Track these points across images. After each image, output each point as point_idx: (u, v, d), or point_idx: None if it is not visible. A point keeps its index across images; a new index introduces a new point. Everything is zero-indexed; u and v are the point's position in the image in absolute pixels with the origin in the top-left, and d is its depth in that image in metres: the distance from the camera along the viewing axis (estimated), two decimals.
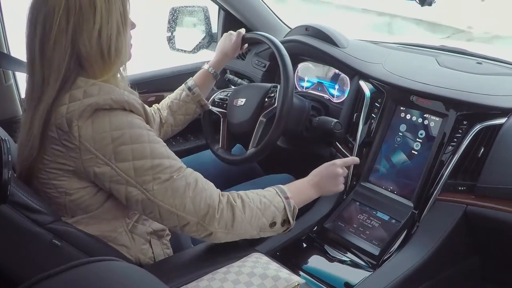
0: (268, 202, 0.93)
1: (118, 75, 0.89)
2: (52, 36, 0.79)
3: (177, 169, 0.85)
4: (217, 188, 1.38)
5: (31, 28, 0.82)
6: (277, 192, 0.96)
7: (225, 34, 1.35)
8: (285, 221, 0.96)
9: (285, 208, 0.94)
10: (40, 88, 0.83)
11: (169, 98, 1.32)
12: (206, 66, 1.31)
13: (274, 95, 1.29)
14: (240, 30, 1.33)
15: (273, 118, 1.22)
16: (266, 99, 1.32)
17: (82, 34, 0.80)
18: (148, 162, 0.81)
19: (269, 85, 1.36)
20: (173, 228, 0.88)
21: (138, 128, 0.82)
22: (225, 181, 1.45)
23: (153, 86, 1.70)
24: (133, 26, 0.93)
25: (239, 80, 1.69)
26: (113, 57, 0.84)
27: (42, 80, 0.82)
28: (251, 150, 1.27)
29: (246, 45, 1.36)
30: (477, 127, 1.14)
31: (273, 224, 0.94)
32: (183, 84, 1.32)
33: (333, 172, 1.07)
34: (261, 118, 1.29)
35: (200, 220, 0.85)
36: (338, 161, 1.09)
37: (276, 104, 1.26)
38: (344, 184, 1.11)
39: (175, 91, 1.33)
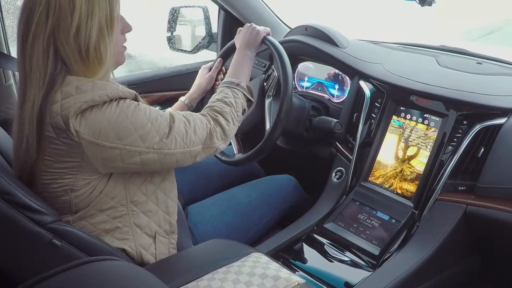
0: (232, 98, 1.05)
1: (110, 76, 0.89)
2: (31, 32, 0.80)
3: (169, 117, 0.91)
4: (218, 188, 1.40)
5: (18, 26, 0.83)
6: (228, 87, 1.08)
7: (203, 66, 1.37)
8: (248, 100, 1.11)
9: (244, 94, 1.09)
10: (23, 86, 0.83)
11: None
12: (183, 98, 1.33)
13: (271, 72, 1.31)
14: (219, 59, 1.34)
15: (279, 89, 1.22)
16: (265, 83, 1.33)
17: (59, 33, 0.80)
18: (148, 125, 0.86)
19: (263, 75, 1.37)
20: (186, 165, 0.95)
21: (128, 105, 0.85)
22: (226, 182, 1.45)
23: (153, 86, 1.70)
24: (127, 28, 0.93)
25: None
26: (92, 58, 0.83)
27: (24, 78, 0.83)
28: (251, 150, 1.27)
29: (221, 76, 1.36)
30: (477, 127, 1.14)
31: (243, 111, 1.08)
32: None
33: (249, 28, 1.21)
34: (266, 98, 1.30)
35: (205, 144, 0.96)
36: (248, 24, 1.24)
37: (276, 73, 1.27)
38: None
39: None
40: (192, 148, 0.93)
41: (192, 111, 1.31)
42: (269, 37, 1.22)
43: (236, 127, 1.05)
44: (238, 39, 1.22)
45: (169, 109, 1.29)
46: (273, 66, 1.34)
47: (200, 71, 1.36)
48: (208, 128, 0.96)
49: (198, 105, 1.34)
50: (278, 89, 1.27)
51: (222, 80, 1.35)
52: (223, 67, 1.35)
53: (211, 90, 1.34)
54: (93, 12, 0.82)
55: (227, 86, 1.09)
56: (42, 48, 0.80)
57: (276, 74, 1.30)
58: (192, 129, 0.93)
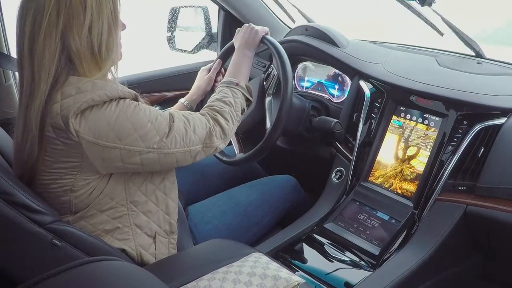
0: (231, 98, 1.05)
1: (109, 76, 0.89)
2: (42, 30, 0.79)
3: (168, 117, 0.91)
4: (219, 189, 1.40)
5: (21, 24, 0.81)
6: (228, 86, 1.08)
7: (202, 68, 1.37)
8: (247, 100, 1.11)
9: (243, 93, 1.09)
10: (30, 85, 0.82)
11: None
12: (182, 100, 1.33)
13: (271, 71, 1.31)
14: (218, 60, 1.34)
15: (279, 87, 1.23)
16: (265, 82, 1.33)
17: (72, 30, 0.80)
18: (148, 125, 0.86)
19: (263, 75, 1.37)
20: (186, 164, 0.95)
21: (128, 105, 0.85)
22: (226, 182, 1.45)
23: (153, 86, 1.70)
24: (123, 27, 0.93)
25: None
26: (103, 55, 0.84)
27: (32, 77, 0.82)
28: (251, 150, 1.27)
29: (221, 77, 1.35)
30: (477, 127, 1.14)
31: (243, 111, 1.08)
32: None
33: (248, 28, 1.22)
34: (266, 97, 1.30)
35: (204, 143, 0.95)
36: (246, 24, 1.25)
37: (276, 72, 1.27)
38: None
39: None
40: (191, 148, 0.93)
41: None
42: (268, 37, 1.22)
43: (235, 126, 1.05)
44: (237, 40, 1.23)
45: (169, 109, 1.29)
46: (272, 65, 1.34)
47: (199, 72, 1.36)
48: (207, 127, 0.96)
49: (198, 106, 1.34)
50: (278, 87, 1.27)
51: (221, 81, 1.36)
52: (222, 69, 1.36)
53: (211, 92, 1.34)
54: (102, 10, 0.82)
55: (226, 86, 1.09)
56: (54, 46, 0.80)
57: (276, 73, 1.30)
58: (191, 129, 0.93)
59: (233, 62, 1.17)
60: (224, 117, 1.01)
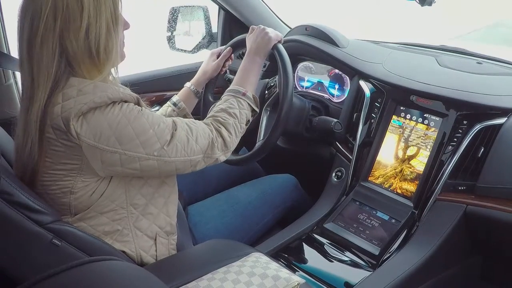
0: (237, 109, 1.04)
1: (110, 77, 0.88)
2: (39, 34, 0.79)
3: (171, 125, 0.91)
4: (219, 188, 1.40)
5: (20, 27, 0.81)
6: (234, 96, 1.06)
7: (211, 52, 1.34)
8: (253, 111, 1.09)
9: (249, 104, 1.07)
10: (30, 88, 0.82)
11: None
12: (188, 84, 1.32)
13: (274, 84, 1.29)
14: (229, 48, 1.32)
15: (277, 105, 1.21)
16: (266, 91, 1.32)
17: (69, 33, 0.79)
18: (150, 131, 0.85)
19: (267, 80, 1.36)
20: (185, 172, 0.95)
21: (131, 109, 0.85)
22: (226, 182, 1.45)
23: (153, 86, 1.70)
24: (126, 25, 0.92)
25: None
26: (102, 57, 0.83)
27: (31, 80, 0.82)
28: (253, 149, 1.27)
29: (229, 62, 1.34)
30: (477, 127, 1.14)
31: (247, 122, 1.07)
32: (168, 101, 1.31)
33: (261, 32, 1.18)
34: (264, 109, 1.29)
35: (205, 153, 0.95)
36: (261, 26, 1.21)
37: (277, 89, 1.25)
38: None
39: (161, 108, 1.31)
40: (192, 157, 0.92)
41: (198, 98, 1.29)
42: (279, 46, 1.19)
43: (238, 138, 1.04)
44: (249, 40, 1.19)
45: (171, 107, 1.29)
46: (275, 81, 1.32)
47: (208, 56, 1.34)
48: (210, 138, 0.96)
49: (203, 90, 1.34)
50: (276, 105, 1.25)
51: (230, 65, 1.35)
52: (232, 54, 1.34)
53: (215, 78, 1.34)
54: (100, 11, 0.81)
55: (233, 95, 1.07)
56: (52, 50, 0.80)
57: (277, 91, 1.28)
58: (194, 138, 0.92)
59: (242, 68, 1.14)
60: (228, 129, 1.00)
